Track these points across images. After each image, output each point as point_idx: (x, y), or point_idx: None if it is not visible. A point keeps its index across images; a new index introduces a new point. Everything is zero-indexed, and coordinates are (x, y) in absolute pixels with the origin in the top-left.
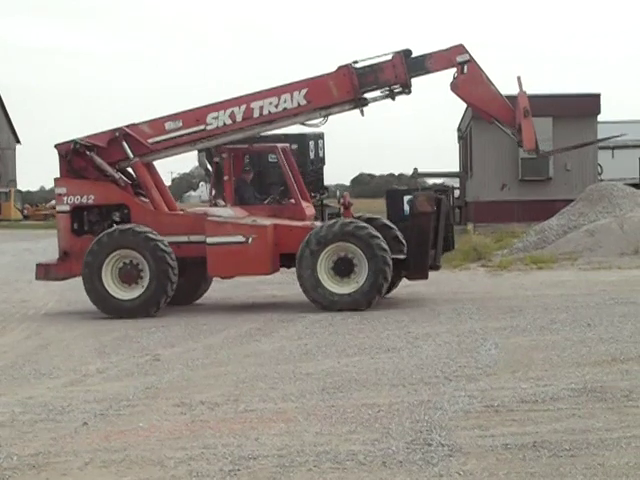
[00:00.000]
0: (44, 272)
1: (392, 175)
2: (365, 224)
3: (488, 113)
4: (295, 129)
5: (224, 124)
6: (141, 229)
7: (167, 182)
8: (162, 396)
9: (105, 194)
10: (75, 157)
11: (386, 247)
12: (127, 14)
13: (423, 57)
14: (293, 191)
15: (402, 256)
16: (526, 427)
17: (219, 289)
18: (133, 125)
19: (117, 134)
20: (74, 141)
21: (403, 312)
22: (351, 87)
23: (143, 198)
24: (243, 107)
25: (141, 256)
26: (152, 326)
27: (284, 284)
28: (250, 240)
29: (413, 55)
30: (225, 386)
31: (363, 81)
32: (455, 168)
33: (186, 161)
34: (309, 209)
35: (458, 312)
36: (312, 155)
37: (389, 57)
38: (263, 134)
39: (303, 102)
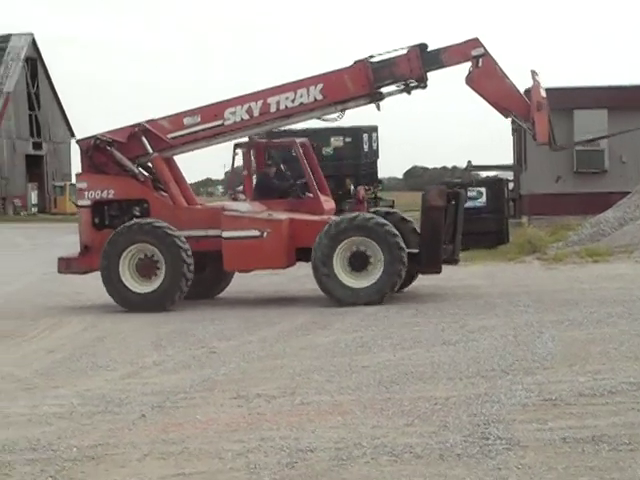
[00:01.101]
0: (65, 265)
1: (445, 168)
2: (385, 221)
3: (503, 107)
4: (349, 122)
5: (241, 119)
6: (159, 224)
7: (220, 176)
8: (219, 388)
9: (125, 189)
10: (96, 152)
11: (403, 246)
12: (196, 11)
13: (438, 51)
14: (311, 185)
15: (415, 250)
16: (584, 421)
17: (271, 283)
18: (152, 120)
19: (137, 129)
20: (95, 137)
21: (459, 305)
22: (366, 82)
23: (163, 193)
24: (260, 102)
25: (158, 250)
26: (208, 319)
27: None
28: (265, 234)
29: (429, 49)
30: (281, 379)
31: (378, 75)
32: (509, 161)
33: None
34: (328, 203)
35: (514, 305)
36: (366, 148)
37: (404, 51)
38: (313, 127)
39: (319, 97)
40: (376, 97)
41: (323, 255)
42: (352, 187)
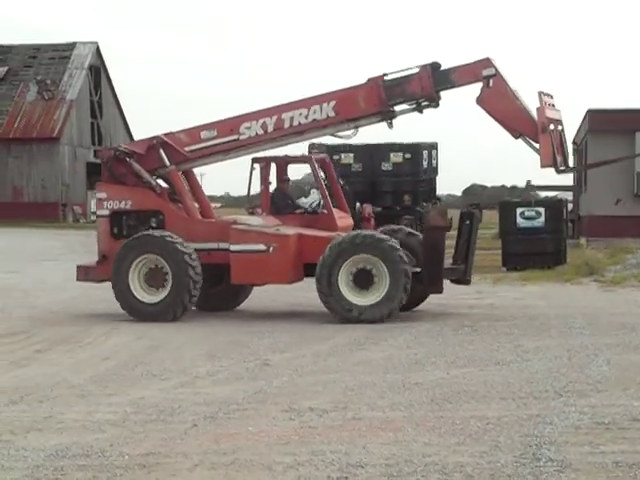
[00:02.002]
0: (84, 274)
1: (504, 187)
2: (386, 236)
3: (513, 128)
4: (409, 138)
5: (256, 134)
6: (171, 238)
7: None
8: (271, 401)
9: (142, 200)
10: (115, 163)
11: (406, 260)
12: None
13: (449, 70)
14: (326, 201)
15: (418, 269)
16: (637, 445)
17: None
18: (171, 133)
19: (155, 142)
20: (114, 148)
21: (513, 325)
22: (378, 100)
23: (180, 204)
24: (274, 118)
25: (166, 263)
26: (263, 331)
27: None
28: (272, 249)
29: (441, 68)
30: (333, 393)
31: (390, 94)
32: (569, 182)
33: (298, 168)
34: (343, 220)
35: (569, 327)
36: (425, 165)
37: (416, 70)
38: (374, 143)
39: (332, 114)
40: (388, 115)
41: (327, 272)
42: (358, 205)
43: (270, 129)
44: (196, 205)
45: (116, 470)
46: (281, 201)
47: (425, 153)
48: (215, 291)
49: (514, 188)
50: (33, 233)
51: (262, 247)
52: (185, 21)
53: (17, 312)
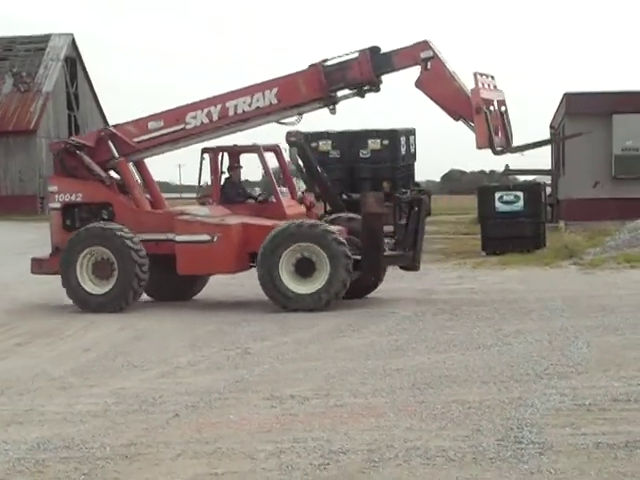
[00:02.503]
0: (38, 266)
1: (483, 172)
2: (330, 227)
3: (452, 110)
4: (387, 125)
5: (202, 123)
6: (110, 226)
7: (258, 177)
8: (252, 389)
9: (92, 192)
10: (66, 156)
11: (349, 253)
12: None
13: (388, 54)
14: (274, 190)
15: (358, 257)
16: (618, 426)
17: None
18: (119, 125)
19: (103, 134)
20: (65, 141)
21: (493, 309)
22: (319, 86)
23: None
24: (219, 106)
25: (110, 252)
26: (244, 320)
27: None
28: (215, 239)
29: (380, 52)
30: (315, 380)
31: (331, 79)
32: (547, 165)
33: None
34: (292, 208)
35: (549, 310)
36: (403, 151)
37: (355, 55)
38: (351, 130)
39: (274, 101)
40: (330, 101)
41: (267, 262)
42: (300, 193)
43: (215, 118)
44: (147, 196)
45: (98, 461)
46: (232, 191)
47: (403, 139)
48: (170, 281)
49: (492, 173)
50: (11, 226)
51: (206, 237)
52: (165, 11)
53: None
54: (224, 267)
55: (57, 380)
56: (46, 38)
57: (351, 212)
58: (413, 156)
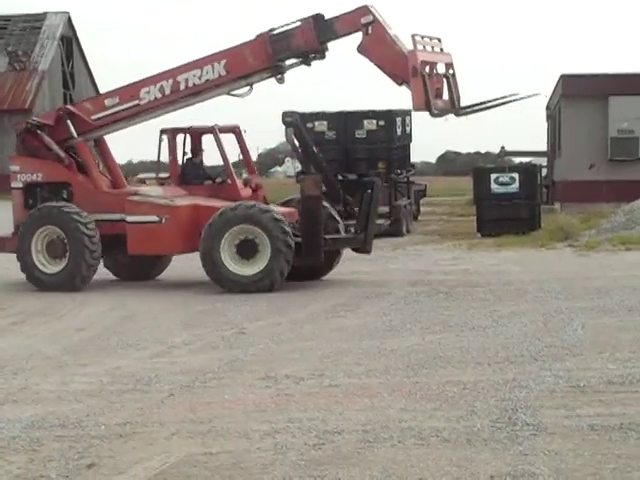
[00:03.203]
0: (1, 245)
1: (478, 153)
2: (269, 207)
3: (394, 73)
4: (383, 105)
5: (155, 98)
6: (68, 209)
7: (253, 157)
8: (247, 369)
9: (51, 172)
10: (28, 136)
11: (288, 230)
12: None
13: (331, 21)
14: (229, 171)
15: (298, 240)
16: (613, 408)
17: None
18: (77, 103)
19: (61, 112)
20: (26, 121)
21: (489, 290)
22: (265, 55)
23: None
24: (171, 81)
25: (64, 234)
26: (238, 300)
27: (371, 260)
28: (164, 220)
29: (324, 20)
30: (310, 361)
31: (276, 48)
32: (543, 147)
33: (272, 136)
34: (248, 190)
35: (544, 291)
36: (399, 132)
37: (299, 23)
38: (347, 110)
39: (223, 72)
40: (277, 70)
41: (210, 243)
42: (244, 175)
43: (167, 92)
44: (107, 176)
45: (93, 440)
46: (192, 172)
47: (399, 120)
48: (131, 261)
49: (488, 154)
50: (6, 206)
51: (155, 218)
52: None
53: None
54: (173, 248)
55: (52, 359)
56: (42, 17)
57: (347, 193)
58: (409, 137)
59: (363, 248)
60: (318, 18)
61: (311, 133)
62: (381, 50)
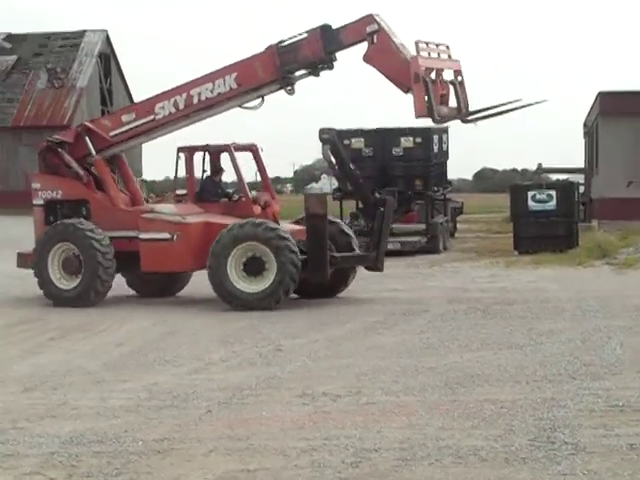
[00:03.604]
0: (23, 261)
1: (515, 170)
2: (276, 225)
3: (399, 81)
4: (420, 123)
5: (169, 113)
6: (82, 225)
7: (289, 174)
8: (284, 386)
9: (70, 190)
10: (49, 154)
11: (294, 249)
12: None
13: (337, 31)
14: (243, 188)
15: (304, 257)
16: None
17: None
18: (96, 120)
19: (80, 129)
20: (47, 139)
21: (526, 308)
22: (274, 67)
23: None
24: (184, 95)
25: (79, 251)
26: (276, 316)
27: (407, 278)
28: (175, 237)
29: (330, 30)
30: (347, 378)
31: (284, 60)
32: (580, 164)
33: (308, 153)
34: (258, 208)
35: (582, 309)
36: (436, 149)
37: (306, 35)
38: (384, 127)
39: (234, 85)
40: (285, 82)
41: (217, 260)
42: (254, 193)
43: (181, 106)
44: (125, 193)
45: (131, 456)
46: (209, 189)
47: (436, 137)
48: (151, 277)
49: (525, 171)
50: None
51: (166, 235)
52: (198, 5)
53: (30, 299)
54: (184, 265)
55: (91, 375)
56: (81, 34)
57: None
58: (446, 154)
59: (375, 266)
60: (325, 29)
61: (348, 150)
62: (386, 58)
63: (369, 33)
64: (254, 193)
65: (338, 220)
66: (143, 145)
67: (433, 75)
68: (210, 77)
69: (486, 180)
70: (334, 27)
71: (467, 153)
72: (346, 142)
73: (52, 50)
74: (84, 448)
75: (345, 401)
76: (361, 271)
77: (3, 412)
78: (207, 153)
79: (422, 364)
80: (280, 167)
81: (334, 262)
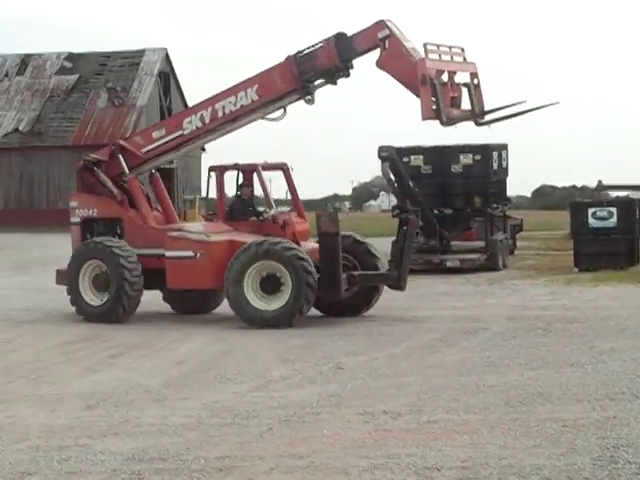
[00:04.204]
0: (61, 278)
1: (575, 187)
2: (292, 244)
3: (411, 85)
4: (479, 140)
5: (196, 127)
6: (109, 243)
7: (347, 191)
8: (345, 404)
9: (105, 208)
10: (86, 173)
11: (311, 269)
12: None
13: (350, 39)
14: (270, 207)
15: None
16: None
17: (400, 299)
18: (129, 137)
19: (114, 148)
20: (83, 158)
21: (587, 326)
22: (292, 77)
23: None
24: (210, 109)
25: (107, 267)
26: (335, 334)
27: (467, 295)
28: (198, 255)
29: (344, 38)
30: (408, 396)
31: (302, 69)
32: None
33: (367, 170)
34: (296, 225)
35: None
36: (495, 166)
37: (321, 44)
38: (442, 144)
39: (255, 97)
40: (304, 92)
41: (233, 278)
42: (272, 212)
43: (207, 120)
44: (158, 212)
45: (193, 474)
46: (239, 208)
47: (495, 154)
48: (186, 294)
49: (585, 188)
50: None
51: (190, 253)
52: (257, 24)
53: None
54: (208, 282)
55: (152, 392)
56: (140, 53)
57: (443, 227)
58: (505, 171)
59: (397, 285)
60: (339, 37)
61: (407, 167)
62: (397, 63)
63: (381, 39)
64: (272, 212)
65: (366, 240)
66: (202, 162)
67: (445, 78)
68: (233, 90)
69: (545, 197)
70: (348, 35)
71: (526, 170)
72: (405, 159)
73: (112, 69)
74: (146, 465)
75: (406, 419)
76: (418, 289)
77: (66, 429)
78: (240, 172)
79: (483, 382)
80: (338, 184)
81: (353, 281)
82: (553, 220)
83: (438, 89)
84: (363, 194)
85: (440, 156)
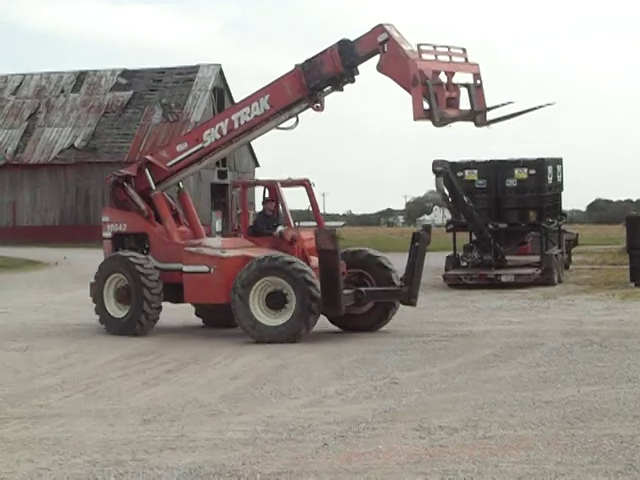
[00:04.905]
0: (93, 291)
1: (630, 201)
2: (295, 259)
3: (406, 87)
4: (533, 154)
5: (215, 139)
6: (132, 257)
7: (401, 206)
8: (400, 419)
9: (133, 223)
10: (118, 189)
11: (314, 281)
12: None
13: (353, 44)
14: (288, 223)
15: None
16: None
17: (454, 314)
18: (155, 152)
19: (141, 163)
20: (114, 174)
21: None
22: (300, 85)
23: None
24: (226, 121)
25: (128, 281)
26: (389, 349)
27: (522, 310)
28: (212, 270)
29: (347, 44)
30: (463, 411)
31: (310, 77)
32: None
33: (420, 185)
34: (310, 242)
35: None
36: (550, 180)
37: (325, 51)
38: (497, 159)
39: (267, 107)
40: (312, 99)
41: (239, 293)
42: (280, 228)
43: (225, 132)
44: (185, 227)
45: None
46: (261, 223)
47: (550, 169)
48: (215, 308)
49: None
50: None
51: (205, 268)
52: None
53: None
54: (222, 297)
55: (207, 407)
56: (195, 69)
57: (498, 242)
58: (560, 185)
59: (407, 300)
60: (342, 43)
61: (461, 182)
62: (395, 65)
63: (380, 43)
64: (280, 228)
65: (380, 254)
66: (256, 177)
67: (443, 78)
68: (247, 101)
69: (600, 211)
70: (351, 40)
71: (581, 184)
72: (459, 174)
73: (166, 85)
74: None
75: (462, 435)
76: (473, 304)
77: (122, 444)
78: (266, 188)
79: (539, 398)
80: (392, 199)
81: (360, 297)
82: (608, 234)
83: (431, 89)
84: (416, 209)
85: (494, 170)
